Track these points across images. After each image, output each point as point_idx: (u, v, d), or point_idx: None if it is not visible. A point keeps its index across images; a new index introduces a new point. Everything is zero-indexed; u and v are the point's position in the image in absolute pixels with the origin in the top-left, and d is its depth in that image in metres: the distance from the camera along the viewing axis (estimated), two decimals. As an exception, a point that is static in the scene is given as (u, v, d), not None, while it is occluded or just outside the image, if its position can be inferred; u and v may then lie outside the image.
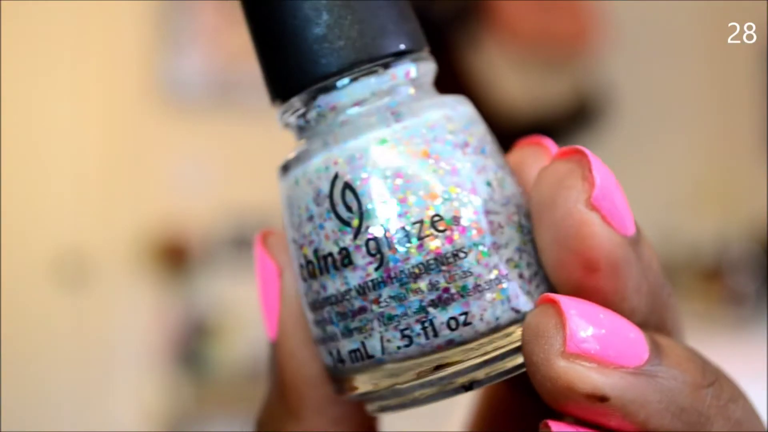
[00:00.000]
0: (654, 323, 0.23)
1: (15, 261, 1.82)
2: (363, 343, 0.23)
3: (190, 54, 1.94)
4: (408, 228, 0.22)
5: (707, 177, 2.00)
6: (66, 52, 1.90)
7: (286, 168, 0.24)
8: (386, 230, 0.22)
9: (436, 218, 0.22)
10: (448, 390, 0.23)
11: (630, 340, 0.21)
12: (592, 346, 0.20)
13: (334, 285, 0.23)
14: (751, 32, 1.95)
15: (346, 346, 0.23)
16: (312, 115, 0.24)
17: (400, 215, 0.22)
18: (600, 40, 1.96)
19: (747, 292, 1.68)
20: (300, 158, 0.24)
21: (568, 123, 1.93)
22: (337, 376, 0.24)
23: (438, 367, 0.23)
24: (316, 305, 0.24)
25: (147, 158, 1.94)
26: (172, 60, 1.94)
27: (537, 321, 0.21)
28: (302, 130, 0.25)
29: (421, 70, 0.25)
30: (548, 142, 0.26)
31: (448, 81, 1.83)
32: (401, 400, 0.24)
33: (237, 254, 1.90)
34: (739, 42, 1.97)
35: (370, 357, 0.23)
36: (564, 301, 0.21)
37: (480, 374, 0.23)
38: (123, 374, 1.91)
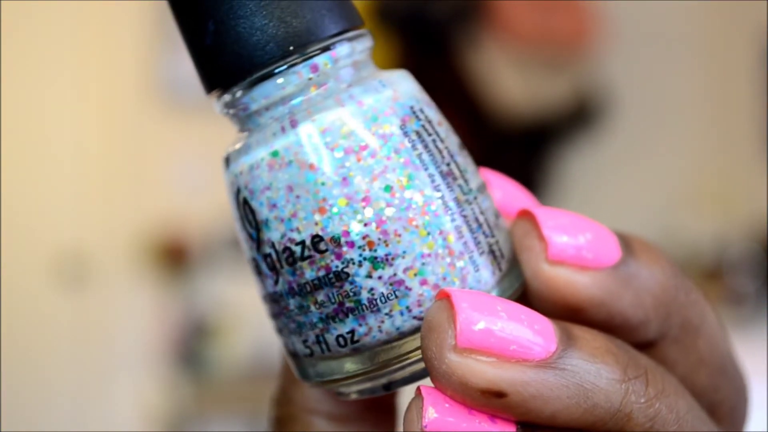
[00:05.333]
0: (677, 325, 0.23)
1: (15, 261, 1.82)
2: (285, 343, 0.23)
3: (190, 54, 1.93)
4: (293, 248, 0.22)
5: (707, 177, 2.00)
6: (66, 52, 1.90)
7: (227, 161, 0.24)
8: (276, 249, 0.22)
9: (317, 239, 0.22)
10: (368, 389, 0.23)
11: (533, 332, 0.20)
12: (487, 337, 0.19)
13: (259, 287, 0.23)
14: (751, 32, 1.95)
15: (280, 340, 0.24)
16: (237, 112, 0.23)
17: (289, 232, 0.22)
18: (600, 40, 1.96)
19: (747, 292, 1.68)
20: (229, 158, 0.23)
21: (568, 123, 1.93)
22: None
23: (353, 373, 0.22)
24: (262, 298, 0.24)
25: (147, 158, 1.94)
26: (172, 60, 1.94)
27: (431, 316, 0.20)
28: (240, 122, 0.24)
29: (349, 50, 0.23)
30: (537, 213, 0.24)
31: (448, 81, 1.83)
32: (337, 392, 0.24)
33: (237, 254, 1.89)
34: (739, 42, 1.97)
35: (294, 355, 0.23)
36: (456, 294, 0.20)
37: (396, 376, 0.23)
38: (123, 374, 1.91)
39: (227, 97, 0.23)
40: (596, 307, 0.22)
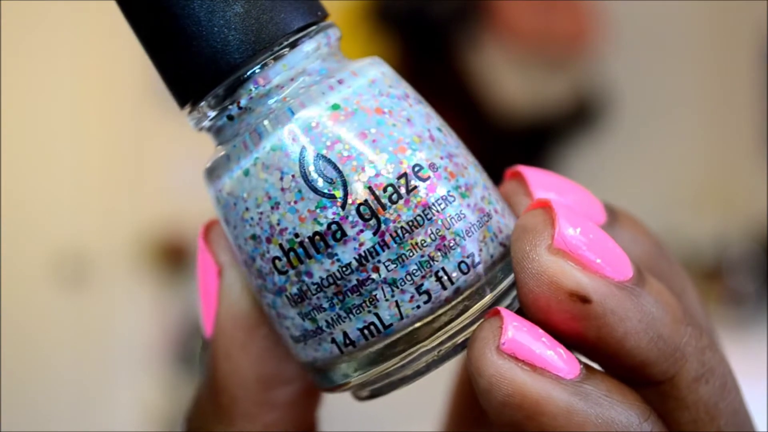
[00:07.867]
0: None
1: (15, 261, 1.82)
2: (377, 315, 0.22)
3: (190, 54, 1.93)
4: (395, 184, 0.22)
5: (707, 177, 2.00)
6: (66, 53, 1.90)
7: (213, 171, 0.23)
8: (374, 192, 0.22)
9: (417, 167, 0.22)
10: (461, 343, 0.23)
11: (616, 254, 0.21)
12: (579, 246, 0.20)
13: (322, 267, 0.22)
14: (751, 32, 1.95)
15: (353, 325, 0.22)
16: (234, 110, 0.24)
17: (380, 173, 0.22)
18: (600, 40, 1.96)
19: (747, 292, 1.68)
20: (239, 150, 0.23)
21: (568, 123, 1.93)
22: (327, 370, 0.23)
23: (449, 322, 0.22)
24: (301, 297, 0.22)
25: (147, 158, 1.94)
26: (172, 60, 1.94)
27: (527, 220, 0.21)
28: (224, 130, 0.24)
29: (333, 37, 0.24)
30: (526, 172, 0.25)
31: (448, 81, 1.83)
32: (402, 375, 0.23)
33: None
34: (739, 42, 1.97)
35: (388, 326, 0.22)
36: (555, 201, 0.21)
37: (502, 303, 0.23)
38: (123, 374, 1.91)
39: (240, 75, 0.23)
40: None
